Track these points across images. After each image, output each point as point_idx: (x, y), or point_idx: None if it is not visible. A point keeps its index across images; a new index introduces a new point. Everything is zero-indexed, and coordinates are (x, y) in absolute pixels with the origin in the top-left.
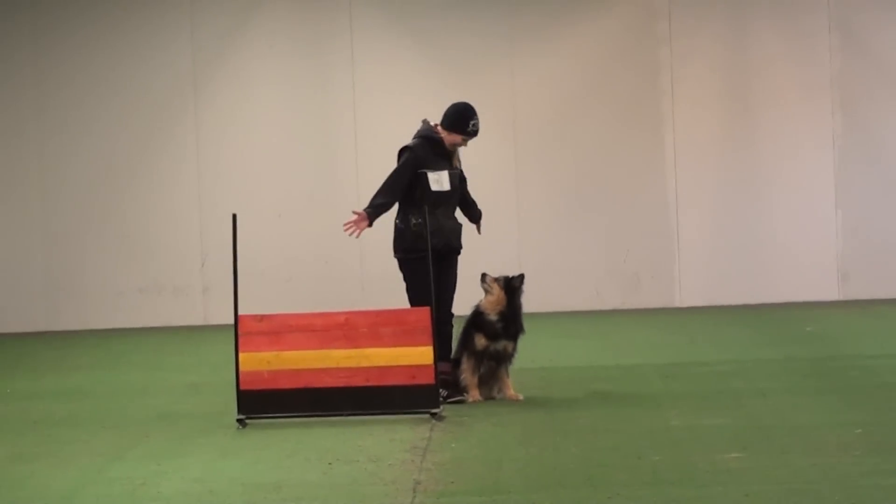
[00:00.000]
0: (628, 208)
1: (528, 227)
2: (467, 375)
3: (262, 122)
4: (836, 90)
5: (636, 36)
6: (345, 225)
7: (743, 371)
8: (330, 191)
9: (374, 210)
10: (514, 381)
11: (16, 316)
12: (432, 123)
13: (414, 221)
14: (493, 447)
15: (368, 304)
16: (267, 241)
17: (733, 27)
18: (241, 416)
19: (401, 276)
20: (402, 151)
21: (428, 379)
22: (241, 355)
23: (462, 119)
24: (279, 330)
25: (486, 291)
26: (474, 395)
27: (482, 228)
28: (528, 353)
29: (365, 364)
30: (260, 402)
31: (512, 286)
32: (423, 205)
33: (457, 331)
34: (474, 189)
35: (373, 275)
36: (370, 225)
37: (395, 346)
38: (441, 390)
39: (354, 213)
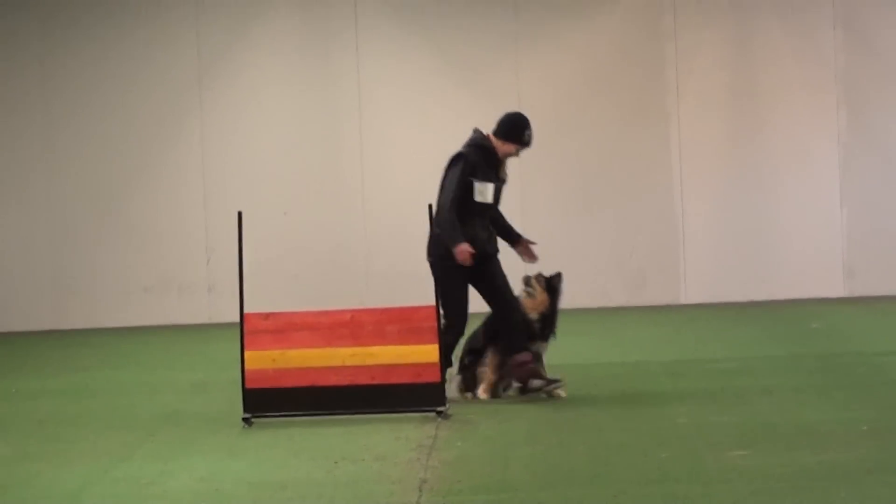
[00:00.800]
0: (633, 205)
1: (533, 224)
2: (489, 371)
3: (267, 119)
4: (841, 87)
5: (641, 32)
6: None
7: (749, 368)
8: (335, 188)
9: (455, 231)
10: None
11: (22, 314)
12: (484, 133)
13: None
14: (499, 445)
15: (374, 302)
16: (273, 239)
17: (738, 23)
18: (247, 415)
19: (430, 280)
20: (455, 159)
21: (433, 377)
22: (246, 353)
23: (518, 129)
24: (285, 328)
25: (529, 294)
26: (486, 392)
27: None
28: None
29: (370, 362)
30: (266, 401)
31: (553, 286)
32: (463, 212)
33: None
34: None
35: (378, 272)
36: (468, 243)
37: (400, 344)
38: (533, 381)
39: (460, 251)
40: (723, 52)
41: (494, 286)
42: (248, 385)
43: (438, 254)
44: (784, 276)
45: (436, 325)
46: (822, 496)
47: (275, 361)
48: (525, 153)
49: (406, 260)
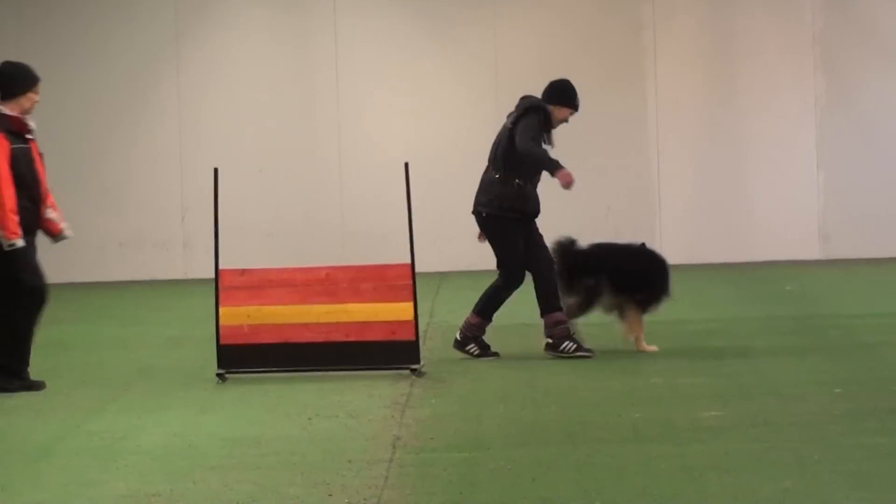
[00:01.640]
0: (610, 165)
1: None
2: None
3: (244, 77)
4: (819, 49)
5: None
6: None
7: (723, 330)
8: (311, 146)
9: (552, 160)
10: (493, 338)
11: None
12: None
13: (518, 182)
14: (472, 404)
15: (350, 260)
16: (248, 196)
17: None
18: (221, 371)
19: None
20: (533, 109)
21: (408, 335)
22: (221, 310)
23: (569, 93)
24: (260, 284)
25: None
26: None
27: None
28: (508, 310)
29: (345, 319)
30: (240, 357)
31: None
32: (525, 170)
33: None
34: (457, 145)
35: (354, 230)
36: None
37: (375, 301)
38: (568, 343)
39: (564, 175)
40: (700, 14)
41: (539, 245)
42: (223, 341)
43: (503, 206)
44: (760, 238)
45: (411, 283)
46: (795, 458)
47: (249, 318)
48: (502, 113)
49: (382, 219)
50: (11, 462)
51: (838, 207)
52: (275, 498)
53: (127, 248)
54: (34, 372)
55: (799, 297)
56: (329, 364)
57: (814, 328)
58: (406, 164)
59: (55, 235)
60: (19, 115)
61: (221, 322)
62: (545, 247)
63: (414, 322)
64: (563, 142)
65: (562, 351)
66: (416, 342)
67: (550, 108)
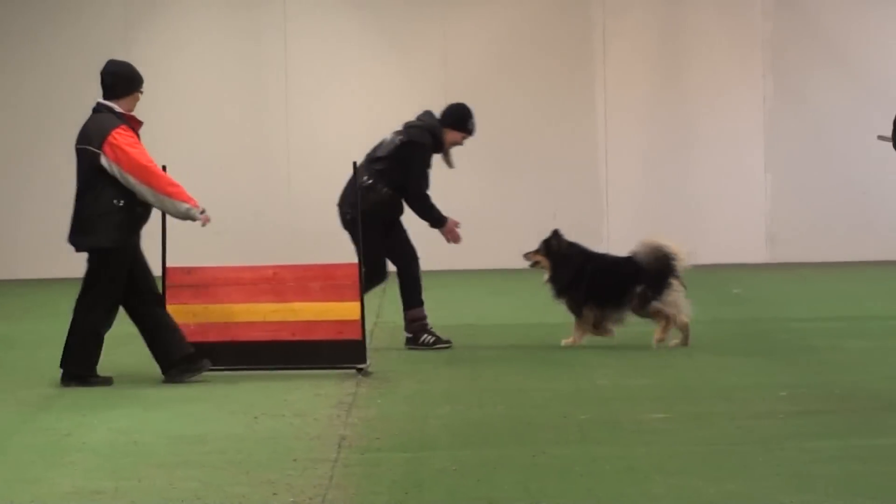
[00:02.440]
0: (558, 168)
1: (457, 185)
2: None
3: (193, 74)
4: (768, 52)
5: None
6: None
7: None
8: (260, 144)
9: (440, 215)
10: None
11: None
12: (436, 117)
13: (386, 190)
14: (418, 404)
15: (297, 259)
16: (196, 194)
17: None
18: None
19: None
20: (418, 147)
21: (355, 334)
22: (168, 307)
23: (463, 118)
24: (207, 283)
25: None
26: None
27: None
28: (455, 310)
29: (292, 318)
30: None
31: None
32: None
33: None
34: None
35: (302, 228)
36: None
37: (322, 300)
38: (426, 335)
39: (450, 231)
40: (649, 17)
41: (403, 241)
42: None
43: (366, 212)
44: (707, 241)
45: (358, 282)
46: (740, 460)
47: (196, 316)
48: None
49: (331, 218)
50: None
51: (786, 211)
52: (219, 496)
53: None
54: None
55: (745, 301)
56: (276, 363)
57: (760, 331)
58: (354, 164)
59: None
60: (132, 114)
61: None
62: (409, 242)
63: (361, 321)
64: (510, 141)
65: (421, 343)
66: (363, 342)
67: (445, 130)
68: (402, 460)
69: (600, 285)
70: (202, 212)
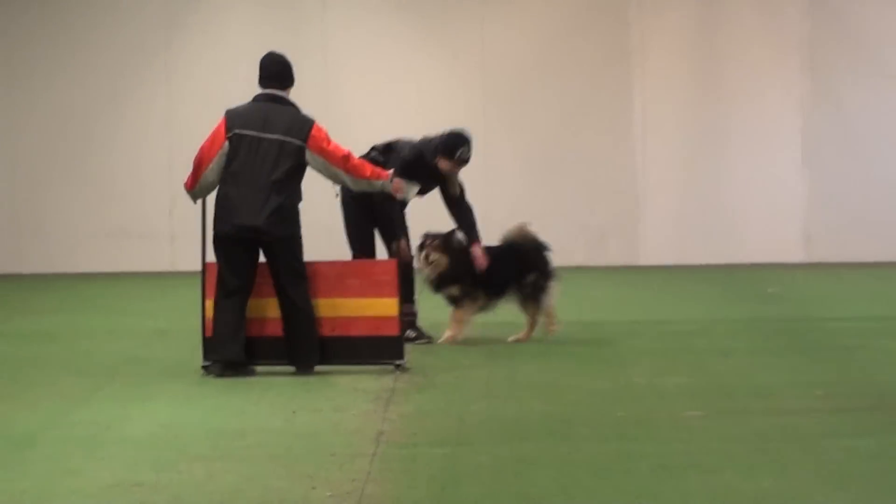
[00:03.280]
0: (595, 166)
1: (495, 181)
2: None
3: (232, 68)
4: (806, 51)
5: None
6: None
7: (705, 330)
8: None
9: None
10: (478, 334)
11: None
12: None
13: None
14: (455, 399)
15: (335, 256)
16: None
17: None
18: (207, 363)
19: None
20: (402, 162)
21: (392, 330)
22: (207, 302)
23: (452, 147)
24: None
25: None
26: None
27: None
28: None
29: (331, 314)
30: None
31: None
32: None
33: None
34: None
35: (341, 226)
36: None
37: (360, 296)
38: (409, 331)
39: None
40: (686, 14)
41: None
42: (208, 333)
43: (352, 195)
44: (743, 240)
45: (396, 279)
46: (776, 458)
47: None
48: (488, 106)
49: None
50: None
51: (822, 211)
52: (259, 490)
53: (114, 239)
54: (18, 360)
55: (781, 300)
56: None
57: (796, 330)
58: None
59: None
60: None
61: (207, 314)
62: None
63: (398, 318)
64: (549, 141)
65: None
66: (400, 338)
67: (437, 157)
68: (439, 455)
69: (492, 275)
70: (391, 181)
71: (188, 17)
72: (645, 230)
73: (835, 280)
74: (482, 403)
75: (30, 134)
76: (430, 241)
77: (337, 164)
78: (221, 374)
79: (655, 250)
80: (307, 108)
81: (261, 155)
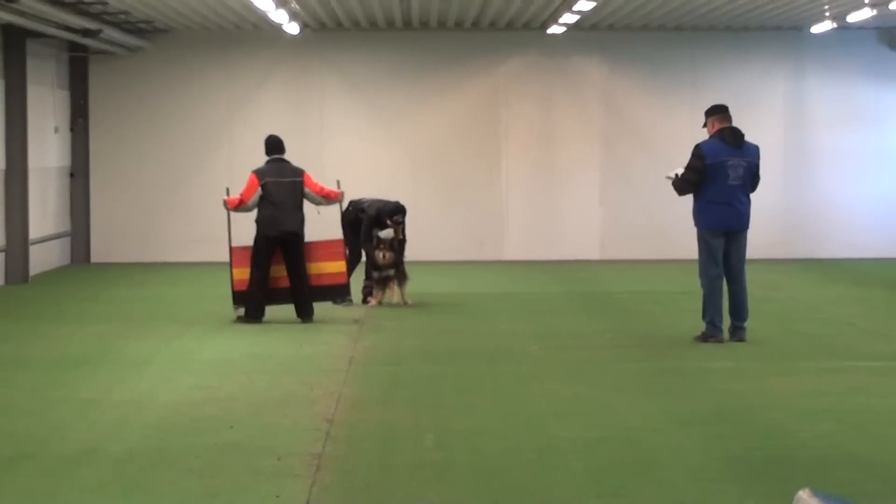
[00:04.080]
0: (478, 198)
1: (421, 211)
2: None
3: (263, 136)
4: (602, 138)
5: (486, 101)
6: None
7: (542, 299)
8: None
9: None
10: (419, 301)
11: (121, 251)
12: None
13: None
14: (396, 338)
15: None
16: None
17: (543, 98)
18: (238, 306)
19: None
20: (367, 218)
21: (343, 280)
22: (234, 270)
23: (394, 212)
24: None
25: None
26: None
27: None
28: (417, 284)
29: (314, 272)
30: (242, 297)
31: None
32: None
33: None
34: (381, 185)
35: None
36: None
37: (326, 261)
38: (369, 298)
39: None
40: (533, 116)
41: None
42: (235, 288)
43: (347, 222)
44: (563, 245)
45: (343, 251)
46: (584, 374)
47: (242, 275)
48: (416, 169)
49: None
50: (124, 366)
51: (612, 228)
52: (280, 390)
53: (196, 242)
54: (140, 313)
55: (587, 281)
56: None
57: (596, 299)
58: (338, 181)
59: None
60: None
61: (235, 277)
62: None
63: (346, 273)
64: (450, 186)
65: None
66: (347, 285)
67: (386, 217)
68: (387, 371)
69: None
70: (341, 200)
71: (242, 108)
72: (508, 238)
73: (620, 270)
74: (412, 341)
75: (151, 179)
76: (383, 244)
77: (317, 193)
78: (248, 322)
79: (514, 251)
80: (309, 160)
81: (287, 190)
